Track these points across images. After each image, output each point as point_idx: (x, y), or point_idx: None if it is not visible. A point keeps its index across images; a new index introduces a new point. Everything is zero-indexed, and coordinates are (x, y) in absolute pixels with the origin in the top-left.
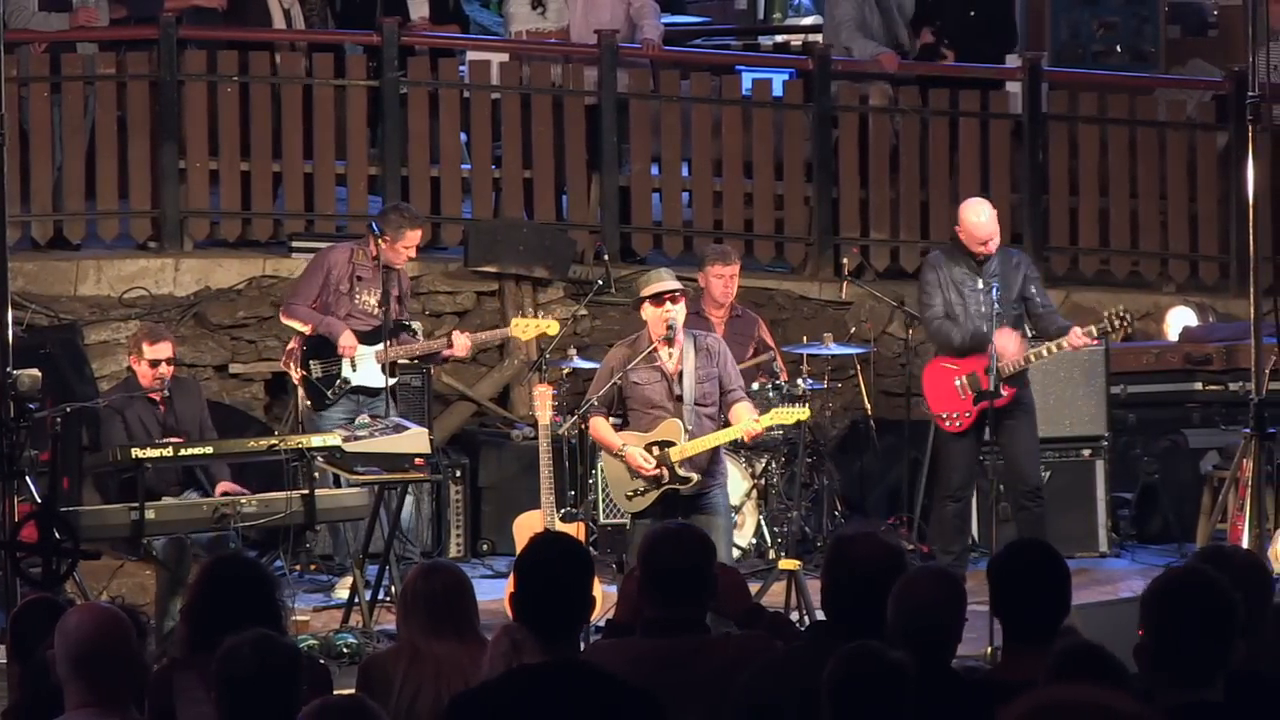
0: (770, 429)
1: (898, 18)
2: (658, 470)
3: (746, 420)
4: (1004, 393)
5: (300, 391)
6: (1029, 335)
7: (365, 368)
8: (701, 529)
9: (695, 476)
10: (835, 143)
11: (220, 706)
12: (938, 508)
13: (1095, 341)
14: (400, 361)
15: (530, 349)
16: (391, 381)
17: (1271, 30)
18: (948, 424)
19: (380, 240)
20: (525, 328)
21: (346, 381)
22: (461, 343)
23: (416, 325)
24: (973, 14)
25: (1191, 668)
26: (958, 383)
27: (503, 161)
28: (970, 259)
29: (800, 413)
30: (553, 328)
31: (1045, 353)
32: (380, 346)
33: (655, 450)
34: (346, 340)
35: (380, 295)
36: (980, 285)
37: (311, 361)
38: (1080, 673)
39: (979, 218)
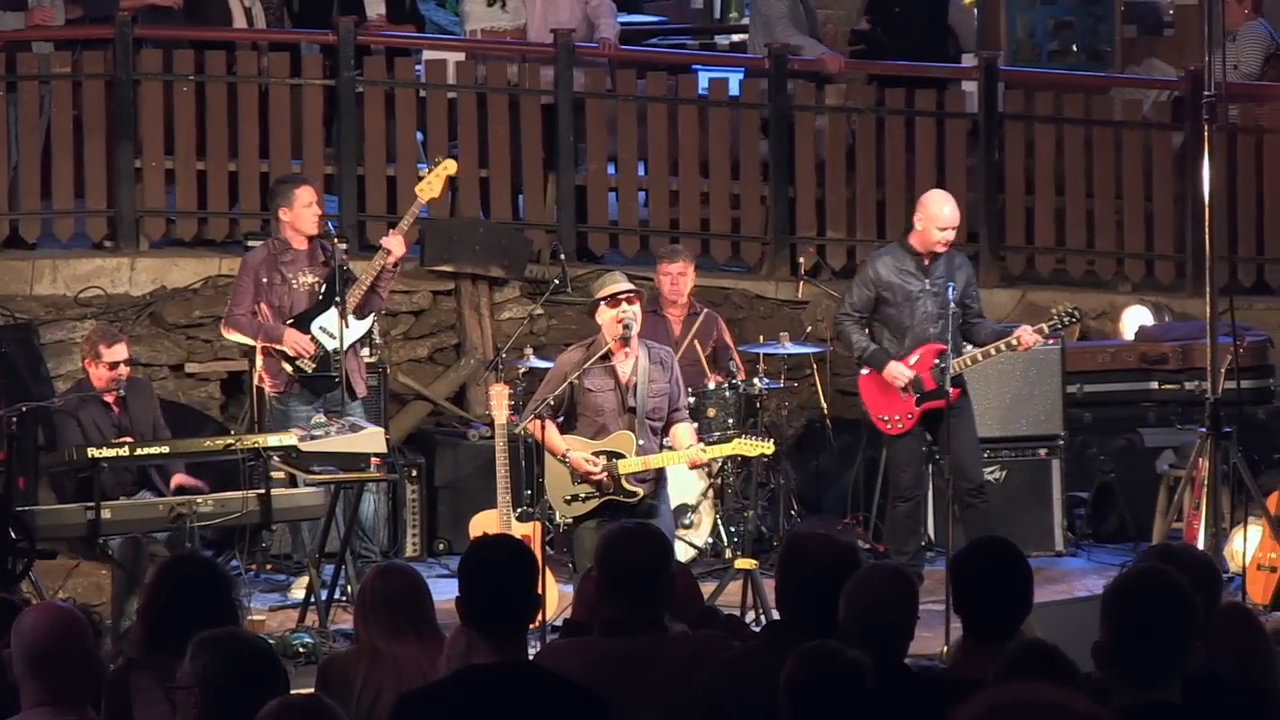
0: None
1: (817, 17)
2: (604, 475)
3: (694, 449)
4: (951, 392)
5: (272, 400)
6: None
7: (340, 330)
8: (660, 529)
9: (641, 491)
10: (792, 142)
11: (205, 702)
12: (889, 508)
13: (1049, 340)
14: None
15: (486, 348)
16: (366, 324)
17: (1229, 29)
18: (888, 426)
19: (284, 215)
20: (429, 185)
21: (336, 352)
22: (394, 243)
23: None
24: (897, 9)
25: (1150, 668)
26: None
27: (459, 161)
28: (917, 259)
29: (764, 446)
30: (450, 166)
31: (993, 351)
32: (338, 304)
33: (602, 459)
34: (291, 339)
35: (310, 269)
36: (928, 286)
37: (297, 361)
38: (1031, 671)
39: (941, 209)
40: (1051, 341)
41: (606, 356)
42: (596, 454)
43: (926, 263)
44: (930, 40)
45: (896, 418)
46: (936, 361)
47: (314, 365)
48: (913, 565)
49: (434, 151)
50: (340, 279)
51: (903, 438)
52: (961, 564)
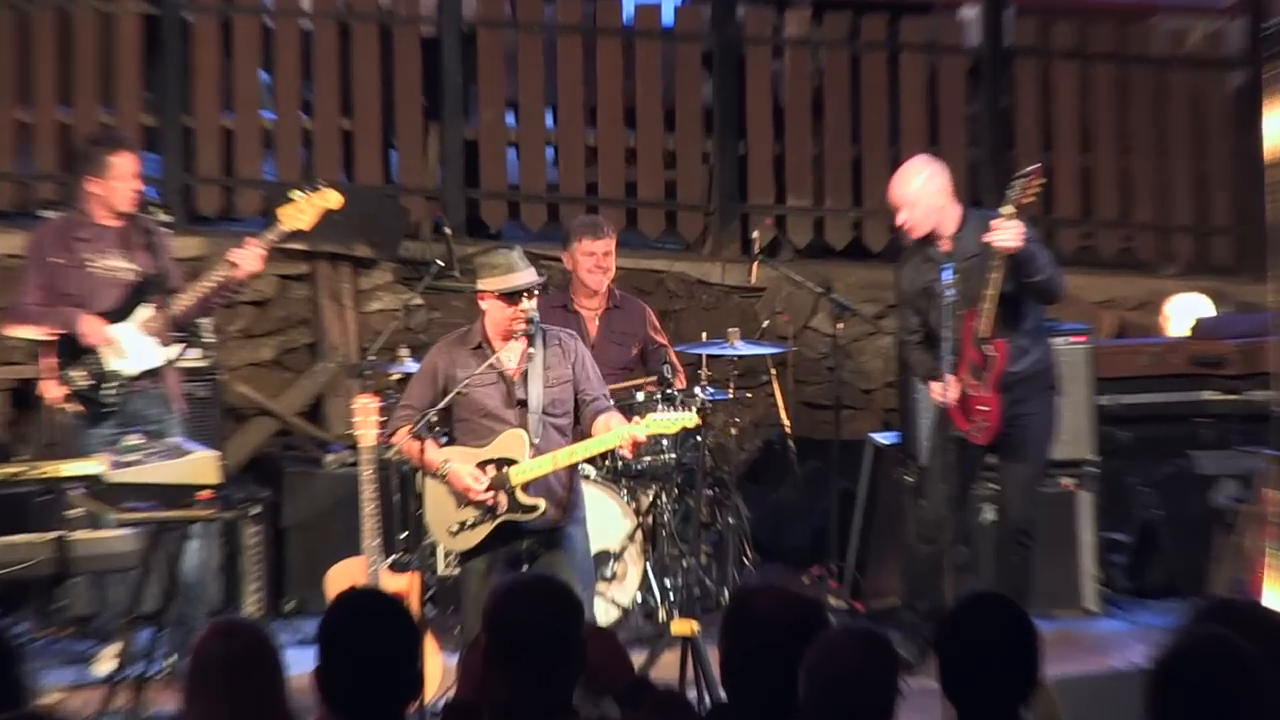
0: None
1: None
2: (491, 495)
3: (625, 427)
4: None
5: (68, 412)
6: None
7: (137, 348)
8: (563, 580)
9: (541, 504)
10: (742, 84)
11: None
12: (908, 550)
13: (1012, 231)
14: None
15: (350, 349)
16: (173, 353)
17: None
18: (977, 435)
19: (94, 186)
20: (299, 213)
21: (115, 375)
22: (248, 257)
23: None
24: None
25: None
26: (964, 378)
27: (315, 109)
28: (933, 247)
29: (686, 419)
30: (332, 199)
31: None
32: (139, 319)
33: (490, 470)
34: (85, 327)
35: (123, 253)
36: (953, 276)
37: (70, 372)
38: None
39: (893, 185)
40: (1013, 233)
41: (478, 346)
42: (483, 464)
43: (947, 248)
44: None
45: (982, 421)
46: (974, 326)
47: (88, 378)
48: (922, 628)
49: (283, 97)
50: (161, 274)
51: (934, 462)
52: (948, 630)
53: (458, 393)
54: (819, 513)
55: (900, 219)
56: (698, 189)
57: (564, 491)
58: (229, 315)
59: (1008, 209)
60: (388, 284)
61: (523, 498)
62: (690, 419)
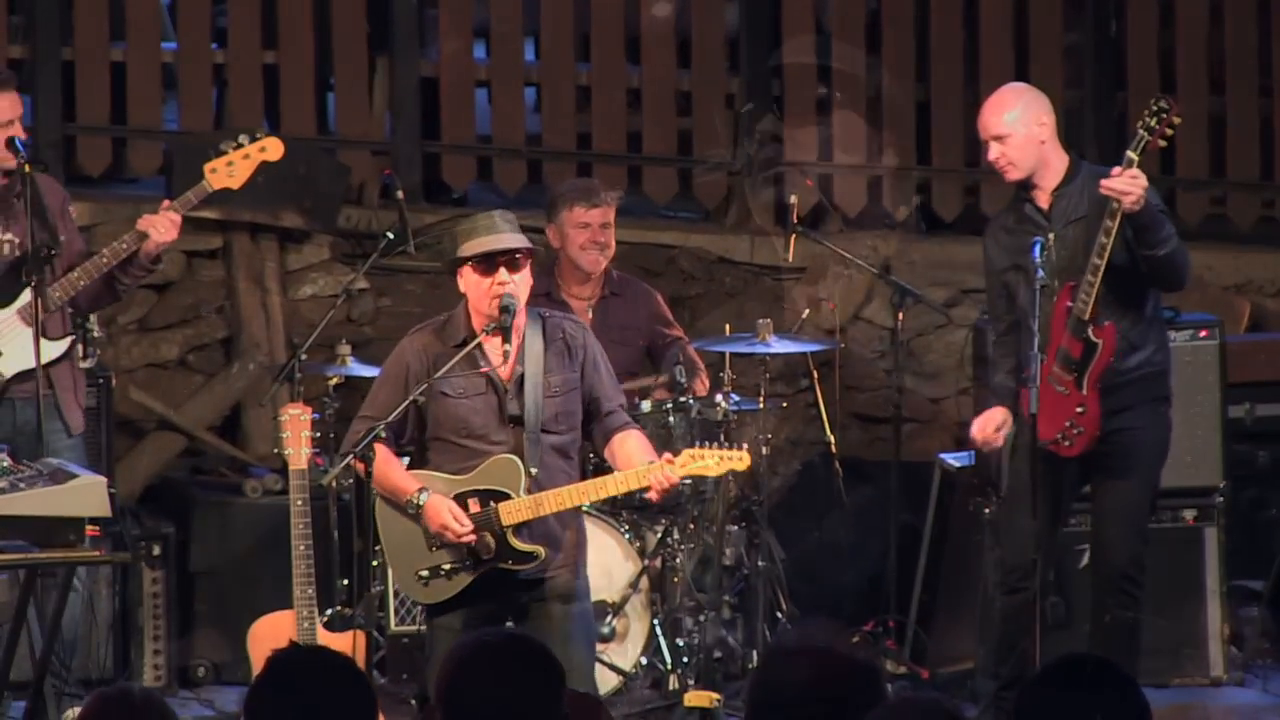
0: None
1: None
2: (474, 536)
3: (652, 465)
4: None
5: None
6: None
7: (12, 343)
8: (541, 640)
9: (540, 551)
10: (777, 6)
11: None
12: (985, 602)
13: (1132, 178)
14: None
15: (275, 346)
16: (59, 349)
17: None
18: (1067, 445)
19: None
20: (231, 171)
21: None
22: (159, 225)
23: None
24: None
25: None
26: (1054, 372)
27: (229, 39)
28: (1029, 203)
29: (735, 458)
30: (272, 149)
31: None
32: (20, 303)
33: (474, 504)
34: None
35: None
36: (1052, 240)
37: None
38: None
39: (984, 113)
40: (1132, 181)
41: (464, 342)
42: (464, 497)
43: (1044, 203)
44: None
45: (1073, 426)
46: (1069, 305)
47: None
48: (1002, 701)
49: (188, 24)
50: (43, 246)
51: (1015, 488)
52: (1035, 701)
53: (421, 393)
54: (873, 554)
55: (992, 155)
56: (720, 141)
57: (568, 532)
58: (122, 304)
59: (1135, 152)
60: (323, 263)
61: (516, 542)
62: (741, 459)
